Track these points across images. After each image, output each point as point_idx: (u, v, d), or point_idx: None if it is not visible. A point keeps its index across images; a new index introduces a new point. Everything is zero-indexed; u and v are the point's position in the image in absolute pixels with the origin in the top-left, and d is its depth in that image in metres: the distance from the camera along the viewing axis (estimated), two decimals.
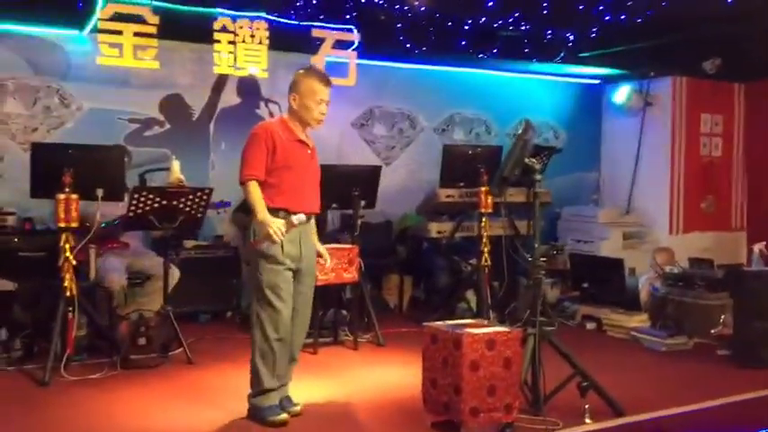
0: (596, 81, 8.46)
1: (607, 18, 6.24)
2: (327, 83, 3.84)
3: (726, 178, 8.45)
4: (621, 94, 8.30)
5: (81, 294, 4.68)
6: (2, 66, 5.92)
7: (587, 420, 3.79)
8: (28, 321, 5.08)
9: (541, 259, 3.94)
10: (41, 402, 4.13)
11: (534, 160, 3.87)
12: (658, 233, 7.95)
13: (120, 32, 5.72)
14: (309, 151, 3.86)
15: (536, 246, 3.91)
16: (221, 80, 6.66)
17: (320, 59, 6.42)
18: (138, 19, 5.74)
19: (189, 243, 6.23)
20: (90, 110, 6.22)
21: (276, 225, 3.61)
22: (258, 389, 3.78)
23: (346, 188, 5.57)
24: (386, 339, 5.61)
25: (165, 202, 4.85)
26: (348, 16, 6.40)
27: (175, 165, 5.05)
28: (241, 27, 6.09)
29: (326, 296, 5.53)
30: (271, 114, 6.75)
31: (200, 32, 6.07)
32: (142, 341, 4.93)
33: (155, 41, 5.82)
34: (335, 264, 5.14)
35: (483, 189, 5.93)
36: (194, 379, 4.66)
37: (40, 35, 5.99)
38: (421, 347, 3.79)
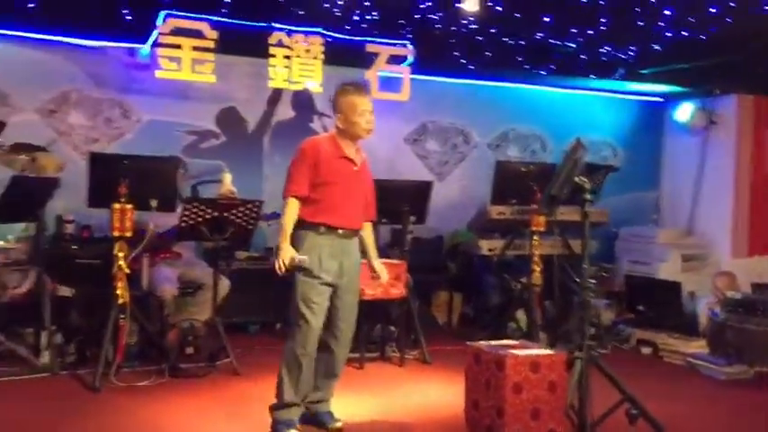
0: (658, 98, 8.26)
1: (669, 35, 6.07)
2: (365, 93, 3.84)
3: None
4: (684, 112, 8.07)
5: (133, 302, 4.78)
6: (66, 78, 6.14)
7: None
8: (83, 327, 5.22)
9: (591, 280, 3.82)
10: (90, 408, 4.22)
11: (585, 179, 3.77)
12: (720, 256, 7.66)
13: (179, 47, 5.87)
14: (356, 168, 3.85)
15: (585, 266, 3.81)
16: (276, 94, 6.76)
17: (374, 74, 6.45)
18: (196, 34, 5.88)
19: (240, 254, 6.31)
20: (149, 122, 6.39)
21: (282, 257, 3.64)
22: (279, 401, 3.79)
23: (396, 203, 5.53)
24: (433, 357, 5.55)
25: (215, 214, 4.93)
26: (403, 31, 6.40)
27: (227, 177, 5.12)
28: (297, 42, 6.18)
29: (374, 311, 5.51)
30: (324, 128, 6.80)
31: (257, 47, 6.17)
32: (190, 350, 5.00)
33: (212, 56, 5.95)
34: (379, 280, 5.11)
35: (535, 207, 5.84)
36: (240, 389, 4.69)
37: (103, 48, 6.18)
38: None
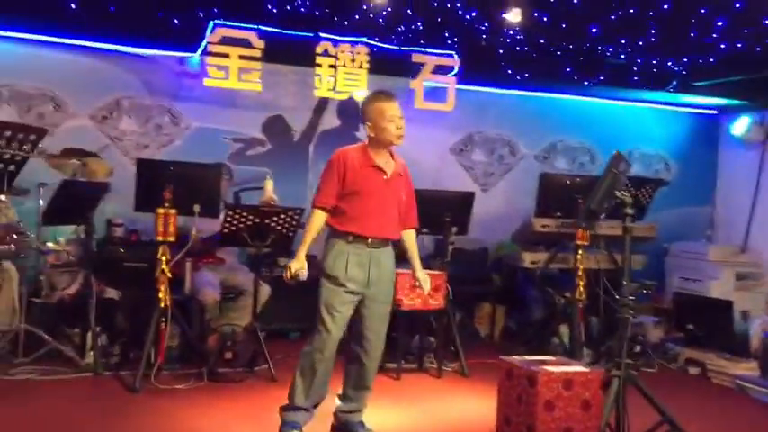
0: (712, 111, 8.04)
1: (723, 47, 5.91)
2: (392, 99, 3.81)
3: None
4: (740, 125, 7.84)
5: (175, 306, 4.86)
6: (119, 86, 6.31)
7: None
8: (127, 329, 5.34)
9: (630, 297, 3.73)
10: (130, 409, 4.30)
11: (626, 193, 3.69)
12: None
13: (227, 56, 5.97)
14: (386, 177, 3.80)
15: (625, 283, 3.72)
16: (322, 103, 6.81)
17: (419, 84, 6.45)
18: (244, 43, 5.98)
19: (283, 261, 6.35)
20: (197, 129, 6.52)
21: (292, 269, 3.69)
22: (289, 403, 3.82)
23: (438, 214, 5.51)
24: (471, 369, 5.48)
25: (257, 220, 4.98)
26: (449, 41, 6.38)
27: (268, 184, 5.17)
28: (342, 51, 6.23)
29: (413, 322, 5.49)
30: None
31: (304, 56, 6.25)
32: (229, 355, 5.03)
33: (259, 64, 6.05)
34: (422, 290, 5.09)
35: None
36: (276, 396, 4.66)
37: (155, 57, 6.34)
38: None
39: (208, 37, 5.95)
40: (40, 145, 4.79)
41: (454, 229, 5.64)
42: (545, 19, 5.47)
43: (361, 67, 6.29)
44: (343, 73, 6.25)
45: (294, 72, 6.62)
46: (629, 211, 3.72)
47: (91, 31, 5.95)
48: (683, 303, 6.59)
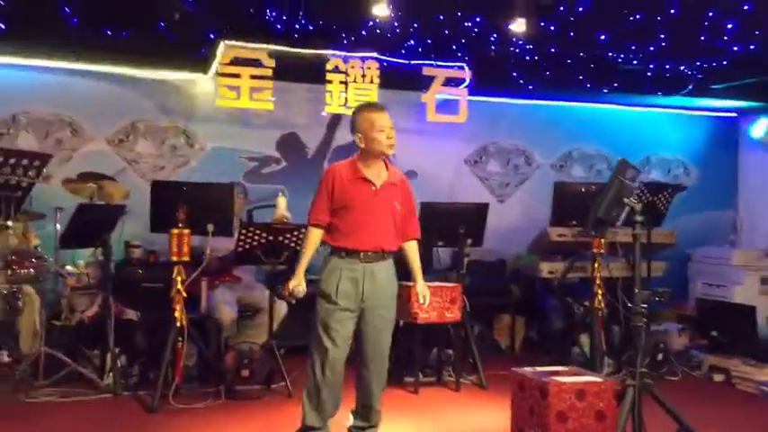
0: (731, 114, 7.94)
1: (735, 49, 5.85)
2: (382, 110, 3.78)
3: None
4: (760, 127, 7.74)
5: (192, 325, 4.89)
6: (134, 109, 6.41)
7: None
8: (146, 349, 5.38)
9: (643, 305, 3.68)
10: (148, 428, 4.33)
11: (634, 200, 3.65)
12: None
13: (238, 76, 6.04)
14: (374, 188, 3.74)
15: (636, 291, 3.67)
16: (336, 118, 6.84)
17: (431, 97, 6.45)
18: (255, 63, 6.03)
19: None
20: (212, 149, 6.59)
21: (289, 287, 3.75)
22: (302, 425, 3.80)
23: (452, 226, 5.49)
24: (491, 381, 5.44)
25: (270, 238, 5.01)
26: (459, 54, 6.39)
27: (281, 201, 5.20)
28: (353, 67, 6.26)
29: (431, 335, 5.47)
30: None
31: (315, 73, 6.28)
32: (246, 373, 5.05)
33: (270, 83, 6.10)
34: (437, 303, 5.09)
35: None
36: (293, 413, 4.62)
37: (168, 79, 6.43)
38: None
39: (219, 58, 6.01)
40: (44, 170, 4.86)
41: (469, 241, 5.61)
42: (552, 28, 5.45)
43: (372, 81, 6.31)
44: (354, 88, 6.28)
45: (306, 89, 6.68)
46: (639, 218, 3.68)
47: (105, 57, 6.05)
48: (706, 310, 6.49)
